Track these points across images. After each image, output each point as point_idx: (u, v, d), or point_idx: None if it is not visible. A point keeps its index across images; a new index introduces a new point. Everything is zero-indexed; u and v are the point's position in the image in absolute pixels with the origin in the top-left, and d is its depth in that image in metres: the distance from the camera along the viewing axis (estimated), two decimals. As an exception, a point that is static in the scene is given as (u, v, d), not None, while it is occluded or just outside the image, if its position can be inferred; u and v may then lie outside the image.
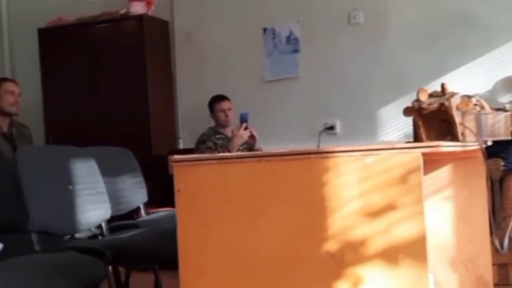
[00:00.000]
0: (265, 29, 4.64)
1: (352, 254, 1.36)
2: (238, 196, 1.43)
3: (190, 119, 4.81)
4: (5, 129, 3.76)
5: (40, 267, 1.71)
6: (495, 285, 2.24)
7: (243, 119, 4.05)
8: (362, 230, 1.36)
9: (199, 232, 1.44)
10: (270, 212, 1.41)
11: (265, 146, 4.22)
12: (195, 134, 4.32)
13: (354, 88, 4.39)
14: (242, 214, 1.42)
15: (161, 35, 4.85)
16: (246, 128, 4.05)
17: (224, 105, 4.25)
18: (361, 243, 1.36)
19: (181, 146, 4.86)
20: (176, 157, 1.48)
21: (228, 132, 4.23)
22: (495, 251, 2.38)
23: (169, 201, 2.74)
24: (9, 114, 3.77)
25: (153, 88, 4.63)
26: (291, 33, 4.57)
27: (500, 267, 3.05)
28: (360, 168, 1.37)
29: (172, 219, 2.65)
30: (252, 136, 4.11)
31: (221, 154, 1.57)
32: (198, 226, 1.44)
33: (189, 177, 1.46)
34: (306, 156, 1.42)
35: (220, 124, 4.27)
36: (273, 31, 4.62)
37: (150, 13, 4.72)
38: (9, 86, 3.80)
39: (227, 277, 1.41)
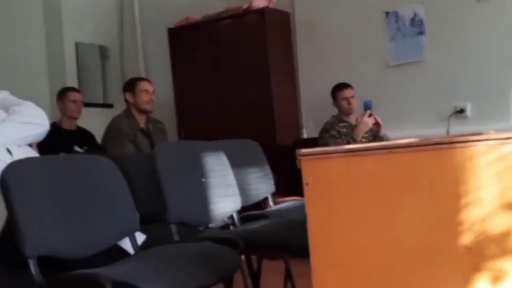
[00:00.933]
0: (387, 13, 4.54)
1: (491, 247, 1.31)
2: (368, 189, 1.43)
3: (313, 108, 4.84)
4: (142, 125, 4.04)
5: (181, 256, 1.84)
6: None
7: (367, 107, 4.01)
8: (501, 222, 1.30)
9: (329, 224, 1.46)
10: (401, 205, 1.39)
11: (391, 133, 4.15)
12: (319, 123, 4.34)
13: (486, 68, 4.17)
14: (373, 207, 1.41)
15: (283, 26, 4.92)
16: (370, 116, 4.01)
17: (347, 93, 4.24)
18: (501, 235, 1.31)
19: (305, 136, 4.91)
20: (304, 150, 1.51)
21: (351, 119, 4.21)
22: None
23: (295, 190, 2.80)
24: (145, 111, 4.04)
25: (275, 80, 4.71)
26: (415, 14, 4.44)
27: None
28: (497, 158, 1.32)
29: (300, 209, 2.70)
30: (376, 123, 4.06)
31: (348, 146, 1.57)
32: (328, 219, 1.46)
33: (317, 170, 1.49)
34: (437, 146, 1.37)
35: (344, 112, 4.26)
36: (396, 14, 4.51)
37: (271, 5, 4.80)
38: (144, 85, 4.07)
39: (360, 269, 1.42)
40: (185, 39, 5.02)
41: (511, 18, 4.07)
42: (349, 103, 4.22)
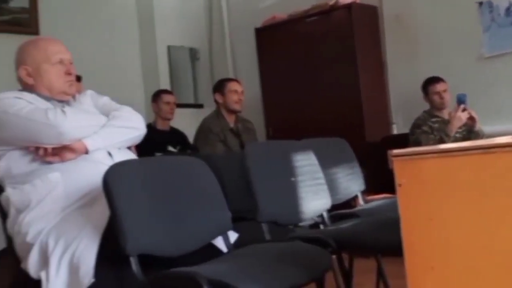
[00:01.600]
0: (480, 3, 4.36)
1: None
2: (464, 190, 1.39)
3: (403, 103, 4.74)
4: (232, 125, 4.13)
5: (273, 256, 1.87)
6: None
7: (461, 101, 3.88)
8: None
9: (424, 226, 1.43)
10: (500, 207, 1.34)
11: (486, 128, 3.99)
12: (409, 119, 4.25)
13: None
14: (470, 210, 1.37)
15: (370, 21, 4.85)
16: (464, 110, 3.88)
17: (439, 87, 4.12)
18: None
19: (395, 132, 4.82)
20: (396, 151, 1.49)
21: (444, 114, 4.09)
22: None
23: (386, 187, 2.76)
24: (234, 111, 4.13)
25: (364, 75, 4.66)
26: (510, 4, 4.23)
27: None
28: None
29: (391, 207, 2.66)
30: (471, 118, 3.92)
31: (442, 147, 1.53)
32: (422, 221, 1.43)
33: (410, 171, 1.46)
34: (538, 146, 1.32)
35: (435, 107, 4.14)
36: (490, 4, 4.33)
37: (358, 0, 4.75)
38: (233, 85, 4.16)
39: (457, 274, 1.39)
40: (272, 38, 5.06)
41: None
42: (441, 98, 4.10)
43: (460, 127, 3.94)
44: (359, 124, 4.60)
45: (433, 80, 4.15)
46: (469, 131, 3.97)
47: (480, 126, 3.96)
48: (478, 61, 4.39)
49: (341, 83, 4.69)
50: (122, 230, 1.72)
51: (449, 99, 4.08)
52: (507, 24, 4.26)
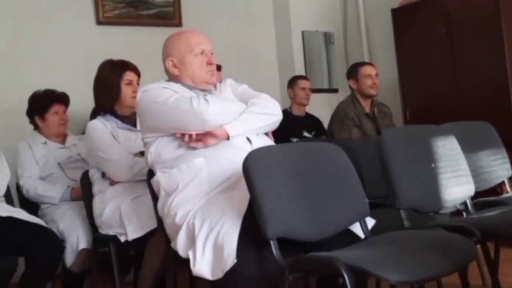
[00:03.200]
0: None
1: None
2: None
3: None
4: (367, 109, 4.07)
5: (413, 243, 1.83)
6: None
7: None
8: None
9: None
10: None
11: None
12: None
13: None
14: None
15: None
16: None
17: None
18: None
19: (543, 114, 4.45)
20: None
21: None
22: None
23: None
24: (369, 96, 4.07)
25: (511, 54, 4.35)
26: None
27: None
28: None
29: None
30: None
31: None
32: None
33: None
34: None
35: None
36: None
37: (503, -24, 4.43)
38: (367, 69, 4.09)
39: None
40: (410, 19, 4.89)
41: None
42: None
43: None
44: (505, 107, 4.30)
45: None
46: None
47: None
48: None
49: (485, 64, 4.41)
50: (262, 214, 1.78)
51: None
52: None
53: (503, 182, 2.91)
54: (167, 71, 2.37)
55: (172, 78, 2.36)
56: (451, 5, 4.63)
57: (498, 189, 2.96)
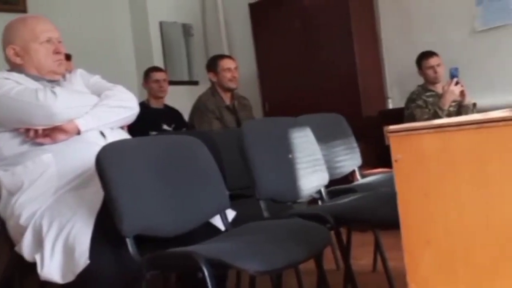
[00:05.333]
0: (474, -25, 4.32)
1: None
2: (460, 165, 1.38)
3: (398, 78, 4.72)
4: (228, 102, 4.09)
5: (272, 233, 1.85)
6: None
7: (453, 75, 3.87)
8: None
9: (420, 201, 1.43)
10: (494, 181, 1.34)
11: (480, 100, 3.98)
12: (404, 93, 4.23)
13: None
14: (465, 184, 1.37)
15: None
16: (457, 84, 3.87)
17: (433, 61, 4.10)
18: None
19: (390, 106, 4.81)
20: (392, 127, 1.48)
21: (438, 89, 4.08)
22: None
23: (382, 162, 2.74)
24: (229, 89, 4.09)
25: (360, 51, 4.63)
26: (504, -25, 4.19)
27: None
28: None
29: (388, 182, 2.67)
30: (461, 92, 3.92)
31: (438, 122, 1.52)
32: (419, 196, 1.43)
33: (406, 146, 1.45)
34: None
35: (430, 81, 4.12)
36: (484, -24, 4.28)
37: (353, -25, 4.69)
38: (226, 63, 4.09)
39: (453, 247, 1.39)
40: (267, 14, 5.01)
41: None
42: (435, 72, 4.08)
43: (453, 101, 3.94)
44: (355, 99, 4.59)
45: (426, 55, 4.12)
46: (459, 106, 3.96)
47: (469, 99, 3.95)
48: (471, 35, 4.37)
49: (337, 58, 4.66)
50: (117, 211, 1.70)
51: (443, 73, 4.06)
52: (500, -3, 4.22)
53: (354, 171, 3.08)
54: (7, 60, 2.17)
55: (15, 67, 2.15)
56: (305, 1, 4.81)
57: (350, 177, 3.12)
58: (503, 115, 1.39)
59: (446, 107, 3.89)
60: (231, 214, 2.13)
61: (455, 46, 4.35)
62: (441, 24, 4.46)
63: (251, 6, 5.10)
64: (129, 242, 1.71)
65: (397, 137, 1.48)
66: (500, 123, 1.35)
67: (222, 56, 4.29)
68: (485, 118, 1.39)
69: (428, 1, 4.53)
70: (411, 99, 4.09)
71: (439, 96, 3.98)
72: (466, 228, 1.38)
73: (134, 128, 2.36)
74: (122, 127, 2.23)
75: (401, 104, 4.29)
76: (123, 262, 1.76)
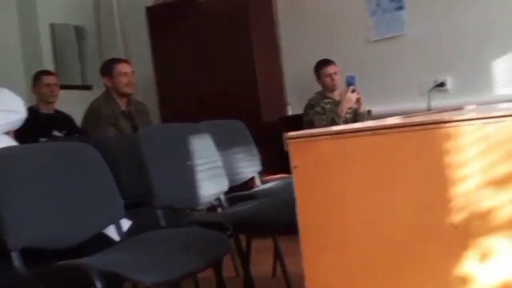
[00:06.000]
0: (367, -12, 4.50)
1: (477, 225, 1.31)
2: (356, 171, 1.41)
3: (297, 85, 4.81)
4: (123, 107, 3.95)
5: (168, 243, 1.81)
6: None
7: (350, 83, 4.00)
8: (486, 200, 1.30)
9: (319, 207, 1.44)
10: (388, 186, 1.38)
11: (375, 107, 4.14)
12: (303, 100, 4.32)
13: (465, 41, 4.18)
14: (361, 189, 1.40)
15: (265, 3, 4.85)
16: (353, 91, 4.00)
17: (330, 69, 4.21)
18: (486, 214, 1.31)
19: (290, 113, 4.89)
20: (291, 133, 1.48)
21: (335, 96, 4.19)
22: None
23: (282, 167, 2.77)
24: (125, 94, 3.95)
25: (259, 57, 4.66)
26: (394, -11, 4.41)
27: None
28: (481, 137, 1.31)
29: (287, 188, 2.67)
30: (357, 100, 4.06)
31: (335, 128, 1.54)
32: (317, 202, 1.44)
33: (305, 153, 1.46)
34: (422, 126, 1.36)
35: (327, 89, 4.23)
36: (375, -11, 4.48)
37: (251, -18, 4.72)
38: (122, 67, 3.94)
39: (351, 251, 1.41)
40: (164, 18, 4.92)
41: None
42: (333, 80, 4.19)
43: (349, 108, 4.07)
44: (255, 106, 4.61)
45: (324, 63, 4.23)
46: (355, 114, 4.10)
47: (364, 107, 4.10)
48: (366, 44, 4.55)
49: (236, 64, 4.67)
50: (2, 223, 1.58)
51: (340, 81, 4.19)
52: (392, 10, 4.43)
53: (254, 177, 3.08)
54: None
55: None
56: (202, 5, 4.78)
57: (250, 183, 3.12)
58: (396, 122, 1.44)
59: (343, 114, 4.01)
60: (126, 223, 2.05)
61: (351, 55, 4.51)
62: (338, 33, 4.61)
63: (148, 9, 4.99)
64: (14, 256, 1.59)
65: (296, 143, 1.48)
66: (394, 130, 1.39)
67: (117, 60, 4.13)
68: (379, 125, 1.43)
69: (326, 11, 4.66)
70: (309, 106, 4.17)
71: (337, 104, 4.09)
72: (363, 232, 1.40)
73: (22, 135, 2.21)
74: (7, 132, 2.09)
75: (300, 110, 4.37)
76: (9, 277, 1.63)
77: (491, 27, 4.08)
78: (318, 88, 4.27)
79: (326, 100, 4.17)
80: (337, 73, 4.20)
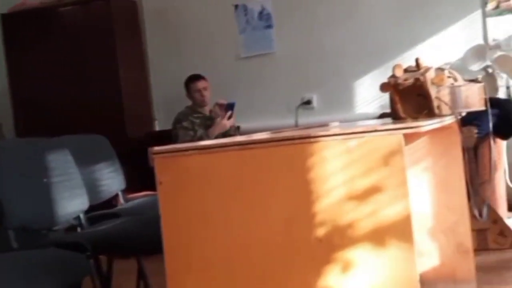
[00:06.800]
0: (236, 6, 4.57)
1: (339, 238, 1.35)
2: (223, 186, 1.39)
3: (166, 99, 4.75)
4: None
5: (20, 267, 1.66)
6: (474, 250, 2.27)
7: (230, 108, 4.00)
8: (348, 214, 1.35)
9: (184, 224, 1.40)
10: (256, 200, 1.38)
11: (244, 123, 4.19)
12: (172, 115, 4.26)
13: (330, 61, 4.37)
14: (227, 205, 1.39)
15: (130, 15, 4.75)
16: (229, 118, 4.00)
17: (200, 84, 4.19)
18: (348, 227, 1.35)
19: (157, 128, 4.80)
20: (156, 148, 1.44)
21: (205, 111, 4.18)
22: (473, 217, 2.41)
23: (148, 184, 2.69)
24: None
25: (124, 70, 4.54)
26: (263, 8, 4.51)
27: (479, 232, 3.08)
28: (344, 152, 1.35)
29: (152, 206, 2.61)
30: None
31: (203, 143, 1.52)
32: (183, 219, 1.40)
33: (171, 168, 1.42)
34: (288, 142, 1.38)
35: (197, 104, 4.21)
36: (245, 7, 4.56)
37: (117, -8, 4.60)
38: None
39: (214, 269, 1.38)
40: (22, 26, 4.62)
41: (353, 14, 4.28)
42: (202, 95, 4.17)
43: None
44: (119, 120, 4.47)
45: (194, 78, 4.21)
46: (224, 135, 4.10)
47: (234, 122, 4.13)
48: (236, 60, 4.60)
49: (100, 77, 4.50)
50: None
51: (210, 96, 4.18)
52: (260, 28, 4.53)
53: (117, 195, 2.97)
54: None
55: None
56: (63, 14, 4.58)
57: (113, 201, 3.00)
58: (263, 137, 1.45)
59: (213, 137, 3.97)
60: (-29, 247, 1.87)
61: (222, 70, 4.53)
62: (209, 49, 4.62)
63: (4, 16, 4.66)
64: None
65: (161, 158, 1.44)
66: (261, 145, 1.40)
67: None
68: (247, 140, 1.43)
69: (195, 26, 4.65)
70: (178, 120, 4.11)
71: (206, 118, 4.08)
72: (227, 250, 1.38)
73: None
74: None
75: (168, 126, 4.30)
76: None
77: (352, 51, 4.30)
78: (188, 102, 4.24)
79: (196, 115, 4.14)
80: (207, 89, 4.19)
